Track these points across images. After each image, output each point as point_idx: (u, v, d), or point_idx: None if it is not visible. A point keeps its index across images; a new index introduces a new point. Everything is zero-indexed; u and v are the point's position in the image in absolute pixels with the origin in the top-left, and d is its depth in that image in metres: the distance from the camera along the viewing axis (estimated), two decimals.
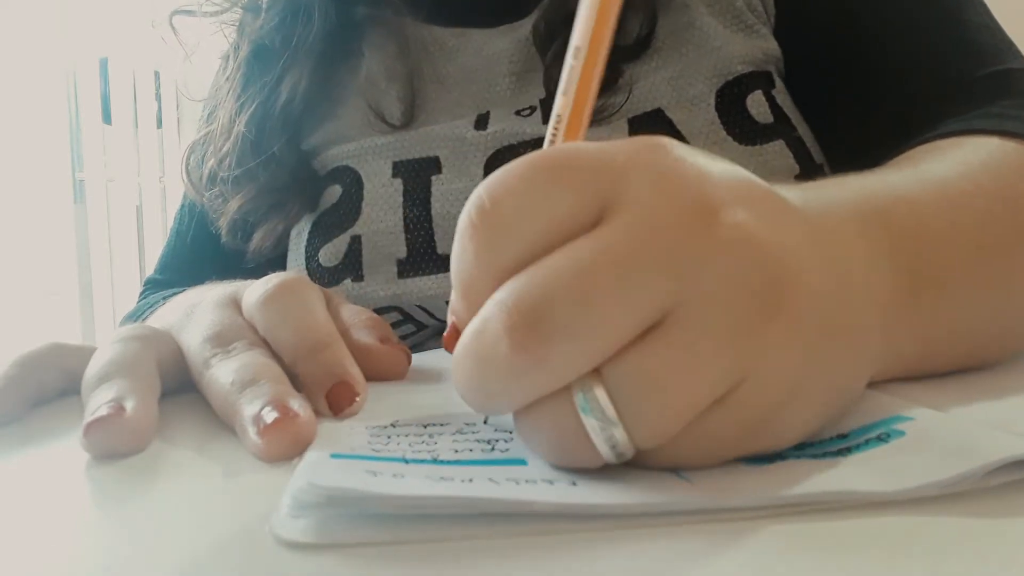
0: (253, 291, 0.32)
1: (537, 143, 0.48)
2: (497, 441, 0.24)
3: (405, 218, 0.49)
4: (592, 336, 0.18)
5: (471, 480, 0.20)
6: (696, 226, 0.19)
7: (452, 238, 0.43)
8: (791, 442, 0.22)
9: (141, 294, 0.64)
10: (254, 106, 0.54)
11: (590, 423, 0.19)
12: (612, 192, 0.19)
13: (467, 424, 0.26)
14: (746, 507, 0.19)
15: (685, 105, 0.48)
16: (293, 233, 0.55)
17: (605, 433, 0.19)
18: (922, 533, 0.18)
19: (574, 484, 0.20)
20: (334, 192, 0.52)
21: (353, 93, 0.55)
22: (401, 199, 0.50)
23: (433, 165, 0.50)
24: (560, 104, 0.23)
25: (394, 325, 0.51)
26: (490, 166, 0.49)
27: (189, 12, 0.58)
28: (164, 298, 0.54)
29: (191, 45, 0.59)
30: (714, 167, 0.21)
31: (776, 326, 0.19)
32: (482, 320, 0.20)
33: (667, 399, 0.19)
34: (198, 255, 0.62)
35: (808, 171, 0.48)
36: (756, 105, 0.49)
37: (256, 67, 0.56)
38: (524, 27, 0.52)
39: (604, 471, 0.20)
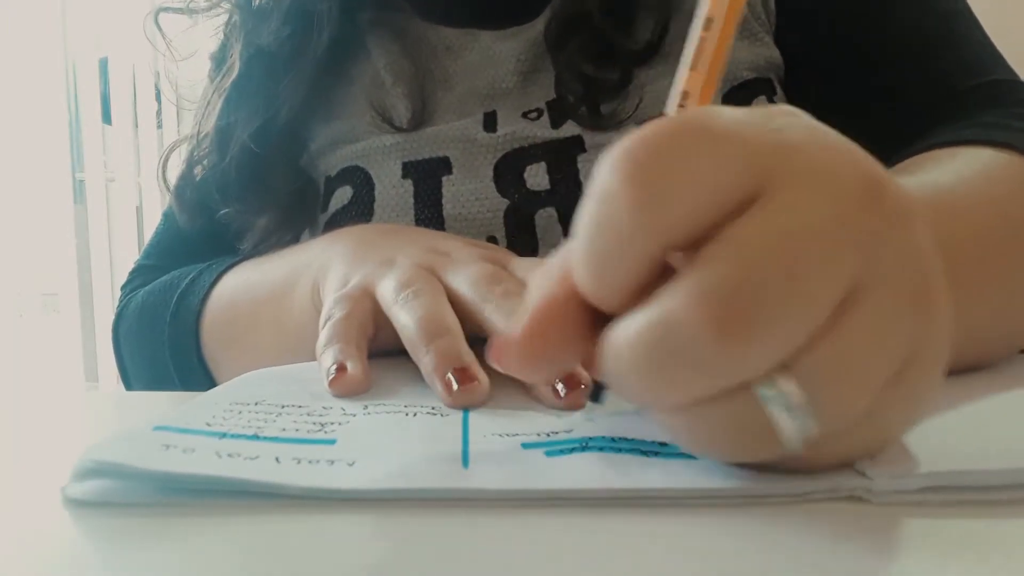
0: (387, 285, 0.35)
1: (548, 145, 0.48)
2: (328, 424, 0.26)
3: (416, 220, 0.49)
4: (801, 320, 0.17)
5: (277, 459, 0.21)
6: (869, 199, 0.18)
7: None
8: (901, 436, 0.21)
9: (128, 283, 0.62)
10: (256, 116, 0.53)
11: (780, 415, 0.18)
12: (773, 164, 0.18)
13: (324, 407, 0.28)
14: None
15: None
16: (306, 235, 0.55)
17: (797, 423, 0.18)
18: (922, 533, 0.18)
19: (351, 465, 0.21)
20: (344, 193, 0.52)
21: (360, 92, 0.54)
22: (412, 200, 0.49)
23: (443, 165, 0.50)
24: (687, 79, 0.22)
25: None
26: (499, 168, 0.49)
27: (178, 10, 0.58)
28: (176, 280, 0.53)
29: (185, 44, 0.58)
30: (843, 137, 0.20)
31: (940, 295, 0.19)
32: (668, 308, 0.18)
33: (861, 380, 0.18)
34: (193, 239, 0.60)
35: None
36: None
37: (257, 73, 0.55)
38: (532, 29, 0.52)
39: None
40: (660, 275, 0.19)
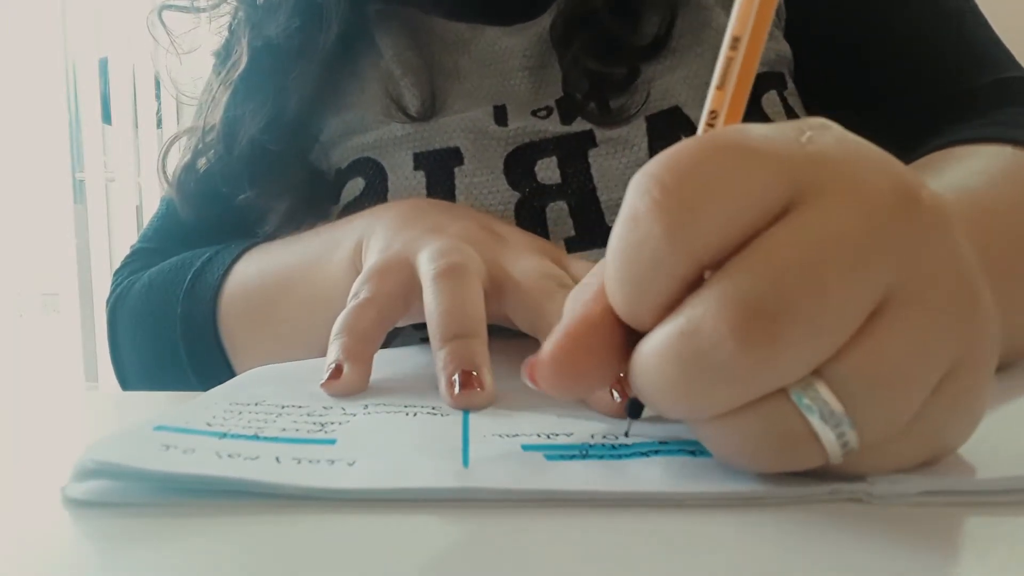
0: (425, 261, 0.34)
1: (559, 140, 0.48)
2: (328, 424, 0.26)
3: None
4: (828, 329, 0.17)
5: (277, 459, 0.21)
6: (904, 208, 0.18)
7: None
8: (964, 442, 0.21)
9: (125, 266, 0.60)
10: (264, 109, 0.53)
11: (818, 424, 0.18)
12: (804, 177, 0.18)
13: (325, 407, 0.28)
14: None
15: (701, 103, 0.48)
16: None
17: (837, 432, 0.18)
18: (922, 533, 0.18)
19: (351, 464, 0.21)
20: (357, 185, 0.51)
21: (370, 82, 0.54)
22: (425, 192, 0.49)
23: (454, 156, 0.49)
24: (716, 98, 0.22)
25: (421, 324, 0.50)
26: (509, 161, 0.48)
27: (182, 8, 0.57)
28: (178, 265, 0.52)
29: (187, 42, 0.58)
30: (877, 148, 0.20)
31: (981, 303, 0.19)
32: (692, 319, 0.18)
33: (901, 389, 0.18)
34: (196, 225, 0.58)
35: None
36: (771, 105, 0.49)
37: (265, 66, 0.54)
38: (538, 25, 0.52)
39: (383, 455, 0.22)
40: (693, 291, 0.19)
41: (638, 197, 0.19)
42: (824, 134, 0.19)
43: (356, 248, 0.41)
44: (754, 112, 0.48)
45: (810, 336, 0.17)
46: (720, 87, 0.22)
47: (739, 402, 0.18)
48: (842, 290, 0.17)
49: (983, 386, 0.20)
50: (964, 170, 0.38)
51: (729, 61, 0.21)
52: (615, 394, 0.27)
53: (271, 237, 0.52)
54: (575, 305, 0.22)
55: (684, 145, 0.19)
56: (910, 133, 0.46)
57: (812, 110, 0.51)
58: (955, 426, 0.20)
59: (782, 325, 0.17)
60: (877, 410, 0.18)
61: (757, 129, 0.19)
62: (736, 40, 0.21)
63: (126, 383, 0.57)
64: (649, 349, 0.19)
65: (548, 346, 0.21)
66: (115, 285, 0.58)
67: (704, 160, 0.18)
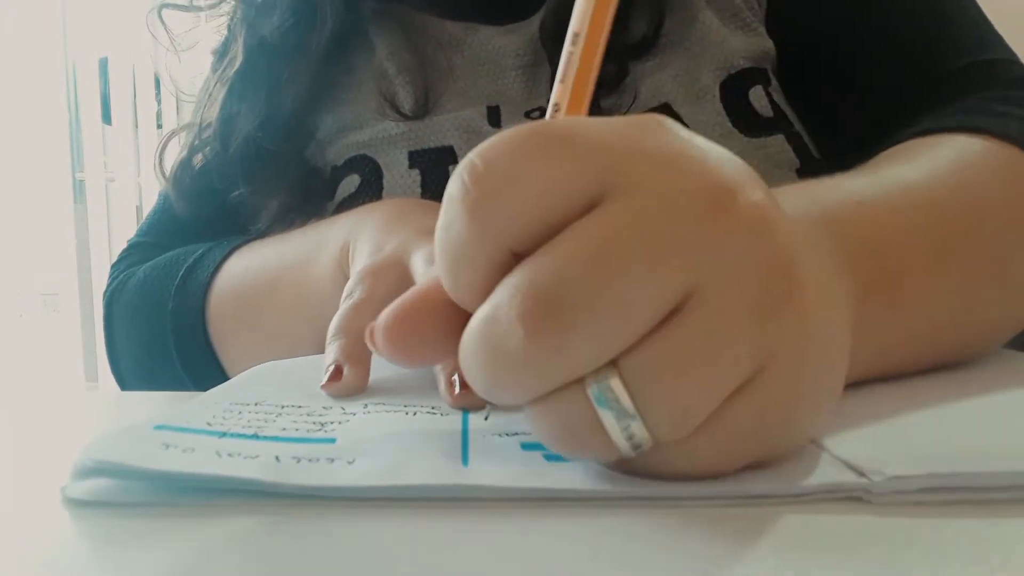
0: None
1: None
2: (327, 423, 0.26)
3: None
4: (613, 323, 0.17)
5: (276, 458, 0.21)
6: (713, 207, 0.18)
7: None
8: (798, 444, 0.21)
9: (122, 259, 0.60)
10: (260, 106, 0.53)
11: (606, 416, 0.18)
12: (616, 171, 0.18)
13: (324, 407, 0.28)
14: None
15: (691, 99, 0.48)
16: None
17: (622, 425, 0.18)
18: (922, 533, 0.18)
19: (350, 463, 0.21)
20: (352, 182, 0.51)
21: (365, 80, 0.54)
22: (419, 191, 0.49)
23: (448, 155, 0.50)
24: (558, 92, 0.22)
25: None
26: None
27: (181, 7, 0.58)
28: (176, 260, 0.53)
29: (186, 41, 0.58)
30: (718, 149, 0.20)
31: (792, 307, 0.19)
32: (493, 306, 0.18)
33: (688, 387, 0.18)
34: (192, 221, 0.59)
35: (808, 165, 0.49)
36: (758, 99, 0.49)
37: (261, 64, 0.55)
38: (531, 25, 0.52)
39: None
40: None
41: (453, 180, 0.19)
42: (654, 130, 0.19)
43: (343, 249, 0.41)
44: (742, 106, 0.49)
45: (595, 328, 0.17)
46: (562, 81, 0.22)
47: (538, 390, 0.19)
48: (630, 284, 0.17)
49: (799, 392, 0.19)
50: (909, 165, 0.37)
51: (569, 56, 0.22)
52: (456, 385, 0.28)
53: (265, 233, 0.53)
54: (422, 282, 0.22)
55: (505, 133, 0.19)
56: (889, 119, 0.45)
57: (797, 102, 0.52)
58: (766, 431, 0.20)
59: (567, 315, 0.17)
60: (665, 406, 0.18)
61: (583, 121, 0.19)
62: (576, 36, 0.22)
63: (120, 376, 0.57)
64: (466, 333, 0.19)
65: (384, 313, 0.22)
66: (112, 279, 0.58)
67: (515, 147, 0.19)
